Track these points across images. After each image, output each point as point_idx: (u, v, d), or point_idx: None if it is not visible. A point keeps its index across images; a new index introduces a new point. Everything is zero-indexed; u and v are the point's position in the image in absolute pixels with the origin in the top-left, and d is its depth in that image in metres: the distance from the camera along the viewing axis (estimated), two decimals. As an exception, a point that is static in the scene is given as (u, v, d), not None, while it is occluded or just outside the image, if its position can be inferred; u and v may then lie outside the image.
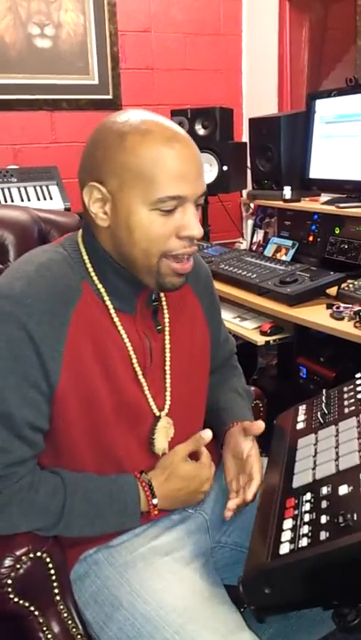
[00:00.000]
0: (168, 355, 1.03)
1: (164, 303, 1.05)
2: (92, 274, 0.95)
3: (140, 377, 0.98)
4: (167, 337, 1.03)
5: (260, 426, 1.07)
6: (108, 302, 0.96)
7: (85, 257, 0.96)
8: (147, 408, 1.00)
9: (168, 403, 1.03)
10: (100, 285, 0.95)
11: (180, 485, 0.99)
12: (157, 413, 1.01)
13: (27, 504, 0.89)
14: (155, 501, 0.96)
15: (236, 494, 1.04)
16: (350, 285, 1.72)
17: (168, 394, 1.03)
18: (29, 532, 0.90)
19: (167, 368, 1.03)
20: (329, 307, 1.65)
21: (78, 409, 0.93)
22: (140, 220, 0.88)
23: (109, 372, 0.95)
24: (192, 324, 1.11)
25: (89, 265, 0.95)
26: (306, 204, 2.20)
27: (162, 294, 1.04)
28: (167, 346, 1.03)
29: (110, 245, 0.93)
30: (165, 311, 1.05)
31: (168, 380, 1.03)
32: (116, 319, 0.96)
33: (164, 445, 1.02)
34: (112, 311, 0.96)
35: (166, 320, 1.04)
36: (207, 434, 1.00)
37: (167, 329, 1.04)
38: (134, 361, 0.98)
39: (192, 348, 1.10)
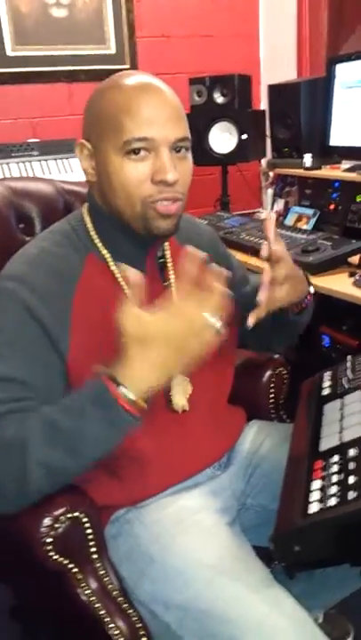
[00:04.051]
0: None
1: (168, 261, 1.07)
2: (98, 242, 0.99)
3: None
4: (174, 293, 1.04)
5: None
6: (113, 267, 0.99)
7: (90, 225, 1.00)
8: None
9: None
10: (104, 252, 0.98)
11: (162, 346, 0.79)
12: None
13: None
14: (122, 390, 0.79)
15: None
16: (373, 253, 1.71)
17: None
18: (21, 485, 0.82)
19: None
20: (351, 275, 1.65)
21: (91, 376, 0.94)
22: (114, 167, 0.91)
23: (118, 338, 0.97)
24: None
25: (93, 234, 0.99)
26: (327, 172, 2.18)
27: (167, 252, 1.07)
28: None
29: (101, 200, 0.97)
30: (171, 270, 1.07)
31: None
32: (122, 283, 0.98)
33: (183, 402, 1.04)
34: (118, 276, 0.98)
35: (172, 277, 1.06)
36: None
37: (173, 286, 1.06)
38: None
39: None
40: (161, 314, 0.80)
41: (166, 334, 0.79)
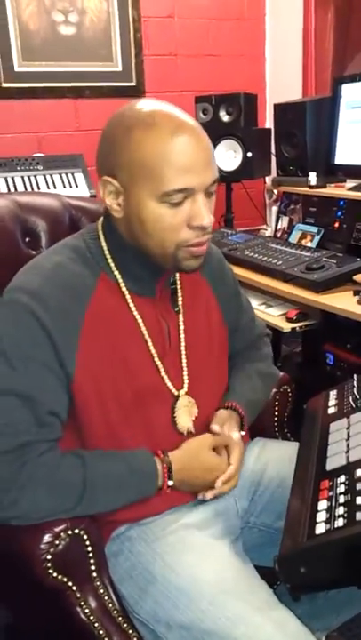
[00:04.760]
0: (183, 335, 1.06)
1: (178, 286, 1.08)
2: (111, 262, 0.99)
3: (157, 359, 1.01)
4: (181, 318, 1.06)
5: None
6: (125, 289, 0.99)
7: (104, 245, 0.99)
8: (165, 389, 1.03)
9: (186, 382, 1.05)
10: (116, 273, 0.99)
11: (199, 473, 1.02)
12: (176, 393, 1.03)
13: (48, 481, 0.90)
14: (170, 483, 0.98)
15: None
16: (378, 272, 1.71)
17: (185, 373, 1.05)
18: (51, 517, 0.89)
19: (182, 348, 1.06)
20: (356, 293, 1.64)
21: (96, 399, 0.95)
22: (151, 213, 0.90)
23: (126, 359, 0.98)
24: (207, 309, 1.13)
25: (107, 253, 0.99)
26: (332, 190, 2.18)
27: (177, 277, 1.08)
28: (181, 327, 1.06)
29: (127, 235, 0.96)
30: (180, 294, 1.08)
31: (184, 360, 1.06)
32: (132, 305, 0.99)
33: (188, 424, 1.04)
34: (128, 298, 0.99)
35: (180, 302, 1.07)
36: (235, 435, 1.05)
37: (181, 311, 1.07)
38: (150, 344, 1.00)
39: (209, 330, 1.13)
40: (216, 462, 1.04)
41: (208, 471, 1.03)
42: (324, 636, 1.31)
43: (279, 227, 2.46)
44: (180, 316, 1.07)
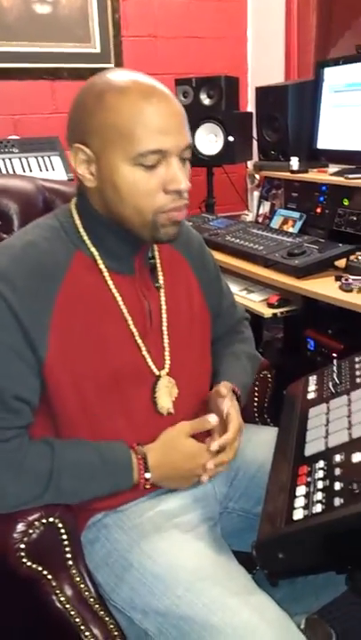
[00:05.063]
0: (165, 314, 1.04)
1: (158, 262, 1.06)
2: (86, 240, 0.96)
3: (138, 338, 0.99)
4: (162, 296, 1.04)
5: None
6: (102, 266, 0.96)
7: (78, 222, 0.97)
8: (145, 369, 1.01)
9: (168, 362, 1.03)
10: (93, 250, 0.96)
11: (180, 463, 0.99)
12: (157, 373, 1.01)
13: (15, 466, 0.88)
14: (147, 475, 0.96)
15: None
16: (359, 257, 1.70)
17: (167, 353, 1.03)
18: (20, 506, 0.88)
19: (164, 327, 1.04)
20: (338, 279, 1.63)
21: (71, 380, 0.93)
22: (125, 178, 0.88)
23: (103, 338, 0.96)
24: (187, 289, 1.11)
25: (82, 231, 0.97)
26: (314, 175, 2.16)
27: (156, 253, 1.06)
28: (163, 305, 1.04)
29: (101, 206, 0.94)
30: (160, 271, 1.06)
31: (166, 340, 1.04)
32: (110, 283, 0.97)
33: (168, 405, 1.02)
34: (106, 275, 0.96)
35: (161, 280, 1.05)
36: (213, 418, 0.99)
37: (162, 289, 1.05)
38: (130, 323, 0.98)
39: (190, 310, 1.11)
40: (197, 447, 1.00)
41: (190, 459, 0.99)
42: (304, 619, 1.31)
43: (261, 212, 2.44)
44: (162, 293, 1.04)
